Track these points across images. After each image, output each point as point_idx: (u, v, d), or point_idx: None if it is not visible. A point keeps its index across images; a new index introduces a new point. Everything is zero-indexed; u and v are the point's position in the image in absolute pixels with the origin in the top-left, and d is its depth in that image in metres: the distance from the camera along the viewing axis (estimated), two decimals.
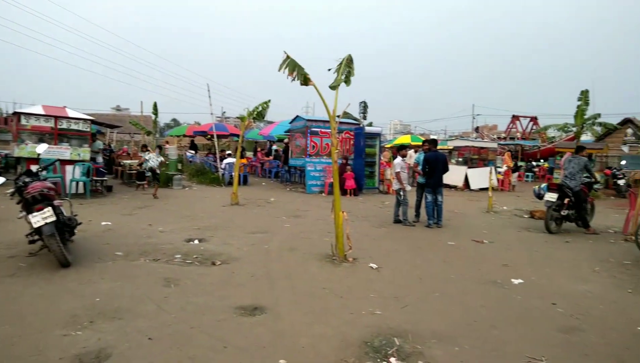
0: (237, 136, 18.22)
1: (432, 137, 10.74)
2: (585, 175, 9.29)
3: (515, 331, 3.97)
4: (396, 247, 7.30)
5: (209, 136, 24.60)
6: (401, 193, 9.38)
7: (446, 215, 10.05)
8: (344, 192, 14.00)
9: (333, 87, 6.42)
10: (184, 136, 28.92)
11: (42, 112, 11.60)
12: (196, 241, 7.12)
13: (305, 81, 6.43)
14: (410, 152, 14.69)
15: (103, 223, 8.18)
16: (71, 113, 12.20)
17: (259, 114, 12.67)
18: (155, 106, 20.20)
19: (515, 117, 37.50)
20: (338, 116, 6.59)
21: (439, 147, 10.36)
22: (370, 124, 27.87)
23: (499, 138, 39.73)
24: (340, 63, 6.54)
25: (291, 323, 3.97)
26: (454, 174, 17.18)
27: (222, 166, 17.49)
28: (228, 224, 8.72)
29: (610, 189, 18.45)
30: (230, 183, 15.58)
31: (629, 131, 29.48)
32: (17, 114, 11.47)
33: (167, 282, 5.01)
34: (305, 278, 5.37)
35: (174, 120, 73.82)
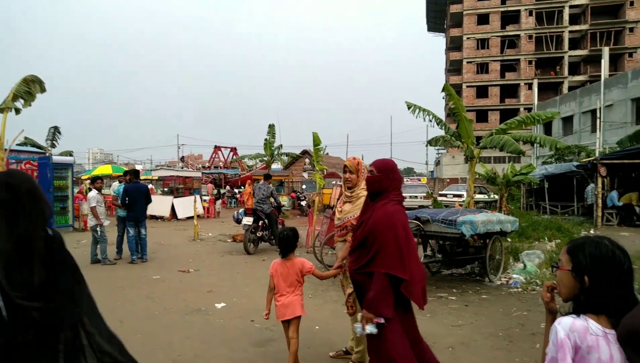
0: None
1: (136, 167, 10.23)
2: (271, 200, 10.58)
3: (217, 354, 4.08)
4: (93, 290, 6.50)
5: None
6: (98, 229, 8.50)
7: (152, 247, 9.69)
8: None
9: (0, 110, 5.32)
10: None
11: None
12: None
13: None
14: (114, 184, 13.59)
15: None
16: None
17: None
18: None
19: (217, 148, 39.84)
20: (18, 144, 5.48)
21: (143, 177, 9.96)
22: (70, 153, 24.57)
23: (203, 167, 41.41)
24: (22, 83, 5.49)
25: None
26: (160, 205, 16.85)
27: None
28: None
29: (296, 210, 21.66)
30: None
31: (307, 160, 35.64)
32: None
33: None
34: None
35: None
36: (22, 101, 5.62)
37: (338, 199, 7.62)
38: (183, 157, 50.60)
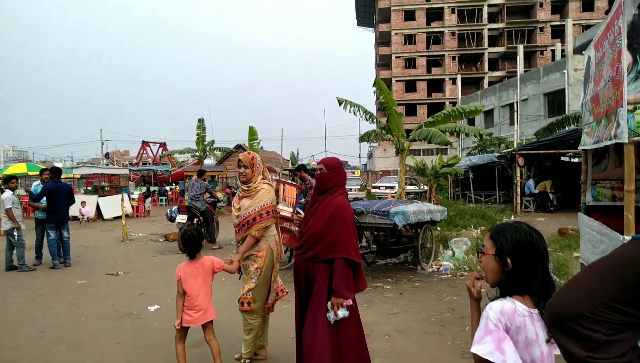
0: None
1: (55, 165, 9.41)
2: (209, 196, 10.34)
3: (151, 358, 3.92)
4: (8, 301, 6.00)
5: None
6: (14, 233, 7.83)
7: (76, 251, 9.11)
8: None
9: None
10: None
11: None
12: None
13: None
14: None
15: None
16: None
17: None
18: None
19: (145, 143, 38.15)
20: None
21: (65, 176, 9.28)
22: None
23: (130, 163, 39.48)
24: None
25: None
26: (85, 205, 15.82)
27: None
28: None
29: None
30: None
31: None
32: None
33: None
34: None
35: None
36: None
37: (276, 193, 7.62)
38: (108, 153, 48.00)
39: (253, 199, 3.67)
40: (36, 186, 9.94)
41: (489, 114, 32.48)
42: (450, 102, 46.48)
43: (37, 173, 13.68)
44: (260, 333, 3.82)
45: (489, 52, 51.89)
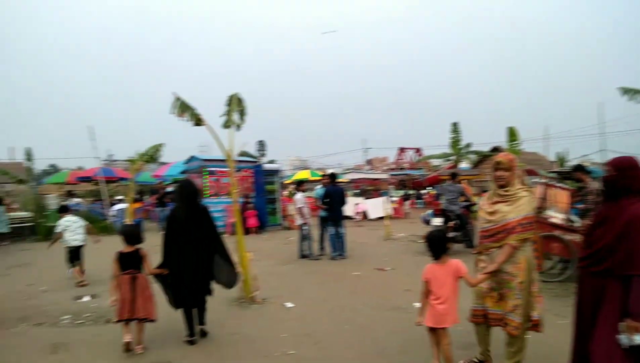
0: (127, 179, 17.17)
1: (331, 171, 11.09)
2: (464, 199, 10.24)
3: (423, 353, 4.16)
4: (304, 283, 7.32)
5: (95, 182, 22.81)
6: (305, 227, 9.50)
7: (349, 246, 10.37)
8: (246, 231, 13.77)
9: (226, 126, 6.41)
10: (66, 183, 26.45)
11: None
12: (87, 298, 6.47)
13: (198, 121, 6.31)
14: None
15: None
16: None
17: (151, 157, 12.13)
18: (28, 151, 18.33)
19: (401, 149, 40.33)
20: (237, 155, 6.56)
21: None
22: (272, 162, 28.03)
23: (389, 169, 42.33)
24: (229, 102, 6.55)
25: None
26: (352, 206, 17.85)
27: (113, 212, 16.25)
28: None
29: None
30: None
31: None
32: None
33: (55, 348, 4.46)
34: (213, 325, 5.12)
35: (53, 166, 67.28)
36: (238, 117, 6.63)
37: (543, 198, 6.98)
38: (369, 160, 52.60)
39: (513, 206, 3.42)
40: (318, 189, 11.76)
41: None
42: None
43: (317, 178, 16.19)
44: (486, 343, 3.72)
45: None
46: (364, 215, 18.89)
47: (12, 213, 15.14)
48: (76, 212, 11.47)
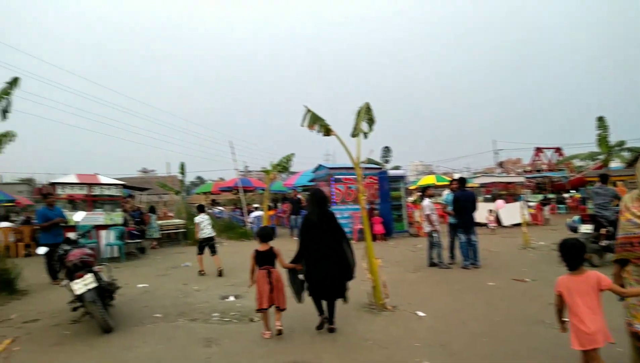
0: (262, 189, 18.48)
1: (458, 175, 10.58)
2: (617, 203, 9.02)
3: None
4: (434, 291, 7.12)
5: (235, 191, 25.03)
6: (434, 235, 9.26)
7: (481, 254, 9.82)
8: (373, 237, 13.84)
9: (354, 135, 6.55)
10: (210, 193, 29.48)
11: (76, 181, 12.08)
12: (232, 298, 7.11)
13: (327, 132, 6.56)
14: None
15: (139, 285, 8.28)
16: (103, 179, 12.67)
17: (284, 167, 12.90)
18: (182, 166, 20.82)
19: (538, 150, 37.01)
20: (362, 162, 6.67)
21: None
22: (397, 168, 27.85)
23: (524, 171, 39.12)
24: (359, 111, 6.68)
25: None
26: (484, 212, 16.87)
27: (251, 219, 17.66)
28: None
29: None
30: None
31: None
32: (53, 184, 11.98)
33: (208, 342, 4.99)
34: (346, 329, 5.26)
35: (199, 178, 75.42)
36: (366, 125, 6.72)
37: None
38: (501, 162, 49.27)
39: None
40: (447, 195, 11.37)
41: None
42: None
43: (444, 183, 15.64)
44: None
45: None
46: (498, 222, 17.71)
47: (167, 221, 17.31)
48: (212, 216, 12.98)
